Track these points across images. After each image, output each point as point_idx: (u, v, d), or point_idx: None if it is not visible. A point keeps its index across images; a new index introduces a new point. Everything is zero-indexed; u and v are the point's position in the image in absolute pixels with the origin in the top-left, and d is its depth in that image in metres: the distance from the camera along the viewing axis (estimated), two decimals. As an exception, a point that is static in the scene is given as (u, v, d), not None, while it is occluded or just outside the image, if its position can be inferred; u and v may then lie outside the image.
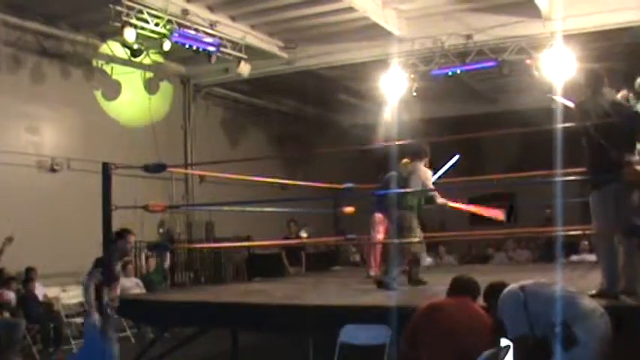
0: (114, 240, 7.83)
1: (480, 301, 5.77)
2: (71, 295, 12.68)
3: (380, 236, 10.49)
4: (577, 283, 6.82)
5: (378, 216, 10.47)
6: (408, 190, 9.08)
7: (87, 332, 7.70)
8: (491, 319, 5.48)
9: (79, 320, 12.38)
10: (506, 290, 5.37)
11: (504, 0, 13.05)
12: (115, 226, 8.11)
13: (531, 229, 12.59)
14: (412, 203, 9.04)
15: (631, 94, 6.60)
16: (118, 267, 7.76)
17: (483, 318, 5.51)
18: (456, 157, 9.65)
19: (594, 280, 6.65)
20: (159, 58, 14.92)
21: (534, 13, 12.79)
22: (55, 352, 11.43)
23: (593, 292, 6.13)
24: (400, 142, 9.59)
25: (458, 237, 15.18)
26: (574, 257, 13.47)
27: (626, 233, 6.33)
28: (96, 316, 7.55)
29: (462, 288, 5.84)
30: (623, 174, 6.17)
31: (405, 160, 9.94)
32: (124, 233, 7.93)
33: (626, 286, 6.20)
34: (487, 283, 5.77)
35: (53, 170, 13.35)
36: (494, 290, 5.55)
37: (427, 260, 12.27)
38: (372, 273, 10.44)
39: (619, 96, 6.57)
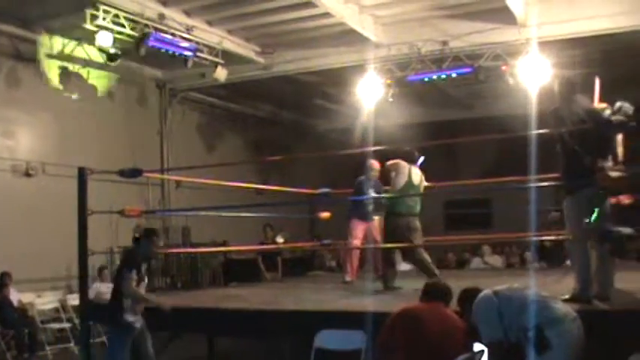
0: (137, 240, 7.74)
1: (453, 306, 5.81)
2: (46, 301, 12.62)
3: (357, 242, 10.51)
4: (551, 288, 6.87)
5: (355, 222, 10.50)
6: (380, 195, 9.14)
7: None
8: (465, 323, 5.51)
9: (54, 326, 12.33)
10: (480, 295, 5.40)
11: (480, 7, 13.12)
12: (91, 231, 8.08)
13: (504, 235, 12.64)
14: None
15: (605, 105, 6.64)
16: (143, 268, 7.46)
17: (456, 322, 5.54)
18: (421, 159, 9.71)
19: (568, 284, 6.71)
20: (135, 63, 14.89)
21: (510, 20, 12.87)
22: (30, 358, 11.36)
23: (567, 296, 6.18)
24: (386, 147, 9.61)
25: (434, 242, 15.19)
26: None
27: (599, 238, 6.39)
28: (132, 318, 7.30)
29: (434, 293, 5.87)
30: (596, 180, 6.24)
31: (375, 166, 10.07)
32: (149, 234, 7.73)
33: (599, 291, 6.27)
34: (461, 289, 5.81)
35: (28, 175, 13.25)
36: (468, 295, 5.60)
37: (403, 266, 12.31)
38: (348, 279, 10.45)
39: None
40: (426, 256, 9.24)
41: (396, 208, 9.16)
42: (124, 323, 7.20)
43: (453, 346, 5.27)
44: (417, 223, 9.22)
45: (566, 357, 4.96)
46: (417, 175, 9.37)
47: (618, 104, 6.35)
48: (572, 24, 12.61)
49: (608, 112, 6.45)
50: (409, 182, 9.22)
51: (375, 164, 10.43)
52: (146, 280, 7.56)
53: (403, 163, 9.34)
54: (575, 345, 5.03)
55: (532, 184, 9.27)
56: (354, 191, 10.57)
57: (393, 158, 9.49)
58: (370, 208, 10.45)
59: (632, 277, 8.30)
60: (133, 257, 7.48)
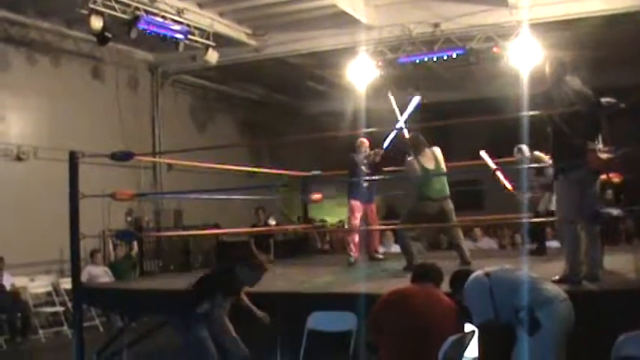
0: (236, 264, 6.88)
1: (444, 287, 5.84)
2: (39, 285, 12.64)
3: (357, 222, 10.52)
4: (541, 269, 6.90)
5: (355, 203, 10.49)
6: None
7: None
8: (455, 304, 5.55)
9: (47, 310, 12.35)
10: (471, 277, 5.44)
11: (472, -12, 13.15)
12: (83, 214, 8.07)
13: (495, 217, 12.66)
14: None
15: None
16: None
17: (447, 304, 5.58)
18: (417, 99, 9.67)
19: (558, 266, 6.75)
20: (126, 46, 14.86)
21: (501, 1, 12.89)
22: (23, 342, 11.39)
23: (557, 277, 6.22)
24: (376, 129, 9.63)
25: (423, 225, 15.23)
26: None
27: (589, 220, 6.43)
28: None
29: (424, 275, 5.89)
30: (586, 161, 6.26)
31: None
32: (256, 266, 6.88)
33: (589, 272, 6.31)
34: (453, 270, 5.85)
35: (19, 159, 13.23)
36: (460, 277, 5.64)
37: (394, 247, 12.39)
38: (353, 259, 10.42)
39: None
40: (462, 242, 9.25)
41: (425, 193, 9.00)
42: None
43: (444, 326, 5.30)
44: (451, 205, 9.12)
45: (556, 337, 5.01)
46: (430, 160, 9.17)
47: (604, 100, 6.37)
48: (563, 5, 12.63)
49: None
50: (423, 168, 9.06)
51: (365, 142, 10.47)
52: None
53: (410, 159, 9.21)
54: (565, 326, 5.08)
55: (524, 166, 9.35)
56: (348, 171, 10.58)
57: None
58: (365, 186, 10.45)
59: (620, 258, 8.35)
60: (233, 284, 6.74)
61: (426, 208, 8.94)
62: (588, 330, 5.29)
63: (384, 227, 11.61)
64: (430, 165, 9.11)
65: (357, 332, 6.24)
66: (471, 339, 5.38)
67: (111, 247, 13.82)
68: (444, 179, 9.19)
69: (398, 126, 9.73)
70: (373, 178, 10.17)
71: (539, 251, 9.97)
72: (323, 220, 16.86)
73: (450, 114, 15.08)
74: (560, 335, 5.04)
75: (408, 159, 9.19)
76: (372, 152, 10.45)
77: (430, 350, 5.06)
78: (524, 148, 9.71)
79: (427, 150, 9.23)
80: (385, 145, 10.27)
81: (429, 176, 8.96)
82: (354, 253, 10.43)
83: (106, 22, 11.69)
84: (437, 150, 9.30)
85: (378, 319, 5.64)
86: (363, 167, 10.32)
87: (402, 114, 10.06)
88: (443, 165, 9.28)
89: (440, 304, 5.55)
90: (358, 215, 10.48)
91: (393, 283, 6.77)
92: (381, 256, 10.85)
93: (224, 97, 19.05)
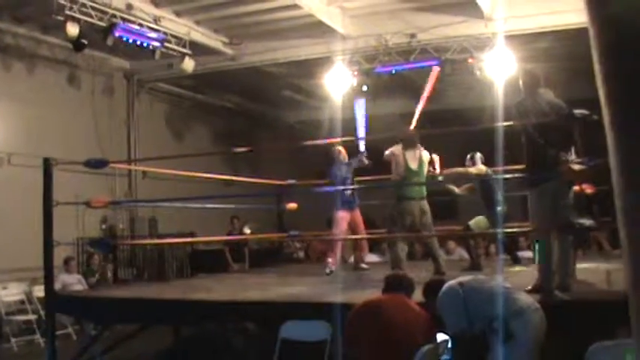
0: None
1: (415, 297, 5.86)
2: (11, 293, 12.52)
3: (340, 232, 10.53)
4: (514, 279, 6.96)
5: (342, 214, 10.50)
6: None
7: None
8: (428, 314, 5.57)
9: (19, 318, 12.25)
10: (445, 286, 5.46)
11: (447, 0, 13.22)
12: (57, 221, 8.03)
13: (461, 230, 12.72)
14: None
15: None
16: None
17: (419, 313, 5.59)
18: (362, 101, 9.84)
19: (530, 276, 6.81)
20: (102, 53, 14.81)
21: (477, 13, 12.98)
22: (-5, 350, 11.30)
23: (529, 287, 6.28)
24: (352, 138, 9.68)
25: (395, 237, 15.26)
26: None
27: (562, 230, 6.49)
28: None
29: (396, 285, 5.92)
30: (560, 172, 6.33)
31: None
32: None
33: (561, 282, 6.37)
34: (426, 280, 5.88)
35: (-7, 165, 13.14)
36: (433, 287, 5.66)
37: (371, 256, 12.42)
38: (329, 270, 10.42)
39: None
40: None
41: (407, 193, 9.21)
42: None
43: (417, 336, 5.32)
44: (428, 206, 9.33)
45: (528, 347, 5.05)
46: (414, 160, 9.39)
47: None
48: (537, 18, 12.74)
49: None
50: (407, 168, 9.27)
51: (342, 150, 10.54)
52: None
53: (397, 151, 9.40)
54: (537, 335, 5.12)
55: (498, 176, 9.43)
56: (330, 182, 10.62)
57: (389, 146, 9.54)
58: (348, 193, 10.50)
59: (592, 269, 8.43)
60: None
61: (407, 207, 9.12)
62: (560, 340, 5.34)
63: (368, 236, 11.59)
64: (414, 165, 9.23)
65: (331, 342, 6.24)
66: (444, 349, 5.41)
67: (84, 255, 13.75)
68: (423, 181, 9.34)
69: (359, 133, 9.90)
70: (353, 187, 10.26)
71: (513, 261, 10.06)
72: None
73: (425, 123, 15.09)
74: (533, 345, 5.08)
75: (392, 150, 9.32)
76: (357, 159, 10.53)
77: (403, 360, 5.08)
78: (478, 156, 9.87)
79: (415, 150, 9.41)
80: (362, 149, 10.37)
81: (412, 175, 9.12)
82: (331, 263, 10.46)
83: (82, 28, 11.64)
84: (424, 153, 9.54)
85: (351, 331, 5.64)
86: (348, 175, 10.41)
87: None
88: (425, 169, 9.50)
89: (412, 314, 5.57)
90: (344, 225, 10.50)
91: (369, 292, 6.79)
92: (365, 266, 10.85)
93: (200, 106, 19.02)
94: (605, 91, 2.76)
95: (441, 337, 5.47)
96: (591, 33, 2.80)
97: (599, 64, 2.76)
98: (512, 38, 12.88)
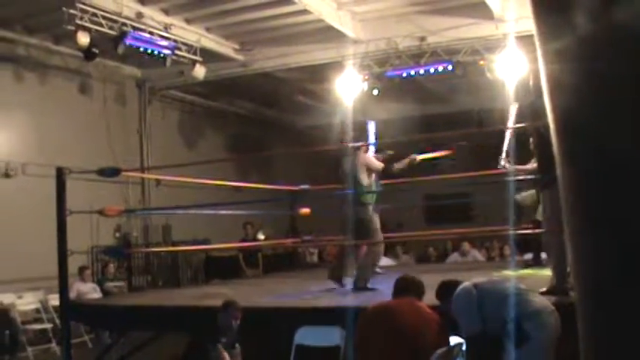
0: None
1: (425, 299, 5.83)
2: (27, 302, 12.57)
3: None
4: (528, 281, 6.93)
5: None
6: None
7: None
8: (439, 317, 5.53)
9: (35, 327, 12.29)
10: (459, 288, 5.43)
11: (457, 2, 13.20)
12: (71, 230, 8.06)
13: (482, 229, 12.69)
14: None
15: None
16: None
17: (430, 316, 5.55)
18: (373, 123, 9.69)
19: (545, 277, 6.77)
20: (113, 62, 14.87)
21: (487, 14, 12.96)
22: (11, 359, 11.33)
23: (544, 289, 6.24)
24: (365, 144, 9.54)
25: (414, 237, 15.29)
26: (528, 255, 13.58)
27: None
28: None
29: (405, 288, 5.87)
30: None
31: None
32: (225, 306, 6.56)
33: (576, 283, 6.32)
34: (440, 281, 5.85)
35: (7, 175, 13.18)
36: (448, 288, 5.62)
37: (384, 260, 12.36)
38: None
39: None
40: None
41: (368, 199, 9.00)
42: None
43: (429, 339, 5.29)
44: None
45: (543, 349, 5.02)
46: (347, 164, 9.01)
47: None
48: (548, 18, 12.69)
49: None
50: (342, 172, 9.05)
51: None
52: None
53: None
54: (552, 337, 5.08)
55: (510, 178, 9.37)
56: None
57: None
58: None
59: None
60: (216, 331, 6.45)
61: (371, 212, 8.93)
62: (575, 341, 5.30)
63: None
64: (347, 169, 9.08)
65: (345, 347, 6.22)
66: (459, 352, 5.38)
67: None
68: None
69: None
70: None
71: (536, 262, 9.97)
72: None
73: (437, 126, 15.12)
74: (548, 347, 5.05)
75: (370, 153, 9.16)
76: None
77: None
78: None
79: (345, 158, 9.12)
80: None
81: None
82: None
83: (93, 37, 11.70)
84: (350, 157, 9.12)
85: (361, 336, 5.62)
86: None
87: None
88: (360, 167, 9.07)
89: (423, 317, 5.52)
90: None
91: (380, 297, 6.78)
92: (380, 271, 10.75)
93: (212, 112, 19.06)
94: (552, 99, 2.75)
95: (455, 339, 5.44)
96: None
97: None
98: (523, 39, 12.81)
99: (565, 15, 2.49)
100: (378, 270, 10.68)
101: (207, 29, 14.18)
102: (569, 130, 2.63)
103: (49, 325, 12.25)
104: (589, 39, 2.43)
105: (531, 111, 6.62)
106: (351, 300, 7.44)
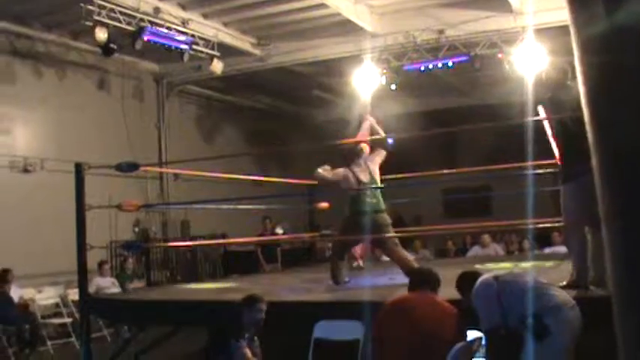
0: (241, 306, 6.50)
1: (441, 292, 5.79)
2: (47, 296, 12.64)
3: None
4: (549, 275, 6.88)
5: None
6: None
7: None
8: (456, 310, 5.49)
9: (55, 321, 12.36)
10: (479, 280, 5.39)
11: (475, -5, 13.17)
12: (90, 225, 8.08)
13: (501, 223, 12.59)
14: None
15: None
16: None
17: (446, 309, 5.52)
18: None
19: (565, 271, 6.72)
20: (131, 57, 14.92)
21: (505, 7, 12.90)
22: (31, 354, 11.38)
23: (564, 283, 6.19)
24: (382, 137, 9.39)
25: (429, 231, 15.20)
26: (547, 249, 13.54)
27: (596, 224, 6.39)
28: None
29: (421, 281, 5.83)
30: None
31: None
32: (250, 302, 6.46)
33: (596, 277, 6.27)
34: (460, 272, 5.81)
35: (26, 171, 13.28)
36: (467, 279, 5.58)
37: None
38: (355, 264, 10.45)
39: None
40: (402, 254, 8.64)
41: (356, 207, 8.63)
42: None
43: (446, 332, 5.25)
44: (386, 219, 8.57)
45: (564, 344, 4.99)
46: (364, 172, 8.77)
47: None
48: (567, 11, 12.60)
49: None
50: (360, 183, 8.67)
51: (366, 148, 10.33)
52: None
53: (340, 173, 8.87)
54: (572, 332, 5.05)
55: (530, 171, 9.30)
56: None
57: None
58: None
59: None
60: (239, 327, 6.35)
61: (359, 222, 8.48)
62: (596, 336, 5.27)
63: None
64: (364, 177, 8.83)
65: (364, 341, 6.21)
66: (479, 346, 5.34)
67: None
68: (379, 192, 8.74)
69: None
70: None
71: None
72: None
73: (455, 120, 15.02)
74: (569, 342, 5.01)
75: (340, 170, 8.86)
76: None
77: (436, 359, 5.03)
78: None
79: (361, 161, 8.88)
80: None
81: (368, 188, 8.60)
82: (357, 260, 10.49)
83: (111, 33, 11.73)
84: (373, 162, 8.95)
85: (379, 330, 5.59)
86: None
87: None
88: (377, 177, 8.87)
89: (441, 311, 5.49)
90: None
91: (399, 290, 6.75)
92: (361, 265, 10.78)
93: (230, 107, 19.09)
94: (585, 90, 2.71)
95: (474, 333, 5.40)
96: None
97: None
98: (541, 31, 12.75)
99: (598, 5, 2.49)
100: (361, 264, 10.70)
101: (225, 24, 14.19)
102: (603, 121, 2.60)
103: (68, 320, 12.32)
104: (623, 29, 2.42)
105: (553, 104, 6.55)
106: (369, 294, 7.40)
